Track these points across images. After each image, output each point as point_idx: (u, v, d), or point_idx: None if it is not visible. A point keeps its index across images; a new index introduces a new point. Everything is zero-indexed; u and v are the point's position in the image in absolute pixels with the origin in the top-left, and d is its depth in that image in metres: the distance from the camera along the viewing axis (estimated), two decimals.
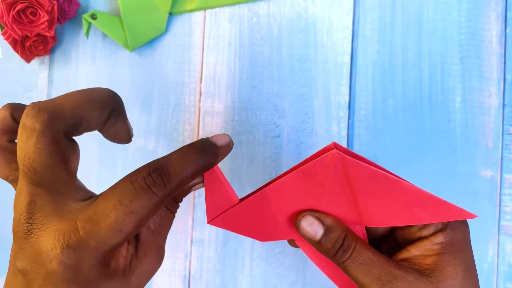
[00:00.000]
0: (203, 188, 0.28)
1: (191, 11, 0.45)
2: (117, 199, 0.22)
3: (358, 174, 0.26)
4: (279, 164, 0.45)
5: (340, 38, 0.45)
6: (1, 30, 0.41)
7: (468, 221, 0.30)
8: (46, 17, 0.40)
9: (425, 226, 0.29)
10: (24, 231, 0.22)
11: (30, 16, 0.40)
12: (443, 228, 0.28)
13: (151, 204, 0.22)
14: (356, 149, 0.45)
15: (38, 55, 0.43)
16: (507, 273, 0.44)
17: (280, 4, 0.45)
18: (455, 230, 0.28)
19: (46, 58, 0.45)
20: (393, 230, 0.32)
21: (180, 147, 0.25)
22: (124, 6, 0.43)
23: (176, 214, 0.45)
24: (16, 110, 0.27)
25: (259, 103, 0.45)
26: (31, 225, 0.22)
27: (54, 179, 0.22)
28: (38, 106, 0.22)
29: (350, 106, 0.45)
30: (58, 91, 0.45)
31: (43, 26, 0.40)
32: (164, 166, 0.23)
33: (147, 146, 0.45)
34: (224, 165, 0.45)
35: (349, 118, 0.45)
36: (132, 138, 0.28)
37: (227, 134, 0.27)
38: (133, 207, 0.22)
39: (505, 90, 0.45)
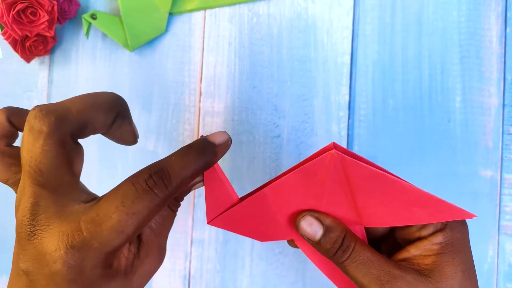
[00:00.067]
0: (203, 187, 0.29)
1: (191, 11, 0.45)
2: (120, 201, 0.22)
3: (357, 174, 0.26)
4: (279, 164, 0.45)
5: (340, 38, 0.45)
6: (1, 30, 0.41)
7: (468, 221, 0.30)
8: (46, 17, 0.40)
9: (424, 226, 0.29)
10: (27, 232, 0.22)
11: (30, 16, 0.40)
12: (442, 228, 0.28)
13: (152, 205, 0.23)
14: (356, 149, 0.45)
15: (38, 55, 0.43)
16: (507, 273, 0.44)
17: (280, 4, 0.45)
18: (454, 230, 0.28)
19: (46, 58, 0.45)
20: (392, 230, 0.32)
21: (180, 147, 0.25)
22: (124, 6, 0.43)
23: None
24: (12, 114, 0.27)
25: (259, 103, 0.45)
26: (34, 227, 0.22)
27: (59, 181, 0.23)
28: (46, 109, 0.22)
29: (350, 106, 0.45)
30: (58, 91, 0.45)
31: (43, 26, 0.40)
32: (165, 167, 0.24)
33: (147, 146, 0.45)
34: (224, 165, 0.45)
35: (349, 118, 0.45)
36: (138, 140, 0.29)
37: (225, 132, 0.27)
38: (135, 208, 0.22)
39: (505, 90, 0.45)
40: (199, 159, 0.25)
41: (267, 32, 0.45)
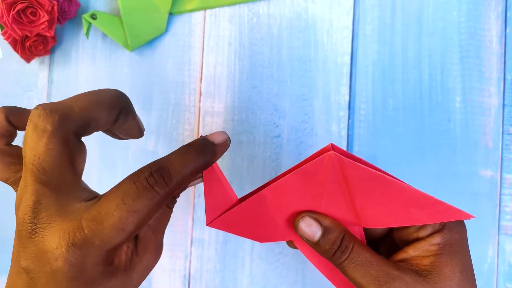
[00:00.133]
0: (203, 188, 0.29)
1: (191, 11, 0.45)
2: (120, 199, 0.22)
3: (356, 175, 0.26)
4: (279, 164, 0.45)
5: (340, 38, 0.45)
6: (1, 30, 0.41)
7: (468, 221, 0.30)
8: (46, 17, 0.40)
9: (422, 227, 0.29)
10: (28, 230, 0.22)
11: (30, 16, 0.40)
12: (440, 229, 0.28)
13: (153, 203, 0.23)
14: (356, 149, 0.45)
15: (38, 55, 0.43)
16: (507, 273, 0.44)
17: (280, 4, 0.45)
18: (452, 231, 0.28)
19: (46, 58, 0.45)
20: (391, 231, 0.32)
21: (179, 146, 0.25)
22: (124, 6, 0.43)
23: (176, 214, 0.45)
24: (11, 113, 0.27)
25: (259, 103, 0.45)
26: (36, 225, 0.22)
27: (62, 180, 0.23)
28: (49, 108, 0.22)
29: (350, 106, 0.45)
30: (58, 91, 0.45)
31: (43, 26, 0.40)
32: (165, 166, 0.24)
33: (147, 146, 0.45)
34: (224, 165, 0.45)
35: (349, 118, 0.45)
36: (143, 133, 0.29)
37: (224, 132, 0.27)
38: (136, 206, 0.22)
39: (505, 90, 0.45)
40: (199, 157, 0.25)
41: (267, 32, 0.45)
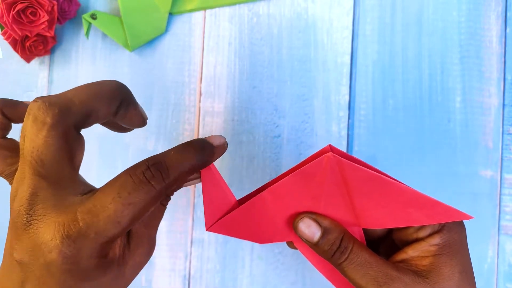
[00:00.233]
0: (202, 188, 0.29)
1: (191, 11, 0.45)
2: (116, 192, 0.22)
3: (354, 176, 0.26)
4: (279, 164, 0.45)
5: (340, 38, 0.45)
6: (1, 30, 0.41)
7: (468, 221, 0.30)
8: (46, 17, 0.40)
9: (421, 227, 0.29)
10: (23, 222, 0.22)
11: (30, 16, 0.40)
12: (439, 229, 0.28)
13: (149, 197, 0.23)
14: (356, 149, 0.45)
15: (38, 55, 0.43)
16: (507, 273, 0.44)
17: (280, 4, 0.45)
18: (452, 231, 0.28)
19: (46, 58, 0.45)
20: (390, 231, 0.32)
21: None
22: (124, 6, 0.43)
23: (176, 214, 0.45)
24: (5, 106, 0.27)
25: (259, 103, 0.45)
26: (31, 217, 0.22)
27: (59, 173, 0.23)
28: (49, 100, 0.22)
29: (350, 106, 0.45)
30: (58, 91, 0.45)
31: (43, 26, 0.40)
32: (163, 160, 0.24)
33: (147, 146, 0.45)
34: (224, 165, 0.45)
35: (349, 118, 0.45)
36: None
37: (222, 136, 0.27)
38: (132, 199, 0.22)
39: (505, 90, 0.45)
40: (197, 156, 0.25)
41: (267, 32, 0.45)
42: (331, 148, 0.27)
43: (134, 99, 0.26)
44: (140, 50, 0.45)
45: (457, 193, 0.44)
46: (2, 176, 0.27)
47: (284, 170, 0.45)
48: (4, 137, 0.28)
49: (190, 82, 0.45)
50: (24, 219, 0.22)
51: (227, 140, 0.28)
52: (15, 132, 0.28)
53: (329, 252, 0.29)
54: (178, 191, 0.44)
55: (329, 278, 0.33)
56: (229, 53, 0.45)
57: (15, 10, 0.39)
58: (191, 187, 0.45)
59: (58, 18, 0.42)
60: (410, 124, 0.45)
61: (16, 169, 0.26)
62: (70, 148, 0.23)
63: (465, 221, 0.29)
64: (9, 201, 0.24)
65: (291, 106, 0.45)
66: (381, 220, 0.29)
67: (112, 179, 0.23)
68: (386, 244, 0.33)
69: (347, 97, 0.45)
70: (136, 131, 0.44)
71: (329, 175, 0.27)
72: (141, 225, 0.27)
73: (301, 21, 0.45)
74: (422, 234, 0.29)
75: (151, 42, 0.45)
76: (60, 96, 0.23)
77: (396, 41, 0.45)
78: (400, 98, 0.45)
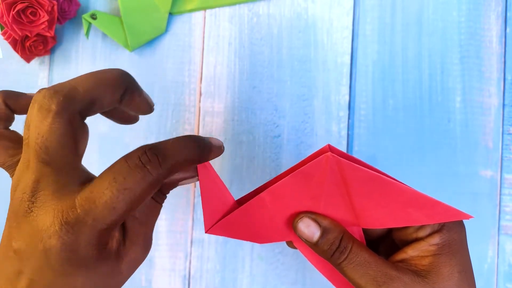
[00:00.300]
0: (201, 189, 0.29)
1: (191, 11, 0.45)
2: (112, 177, 0.22)
3: (354, 176, 0.26)
4: (279, 164, 0.45)
5: (340, 38, 0.45)
6: (1, 30, 0.42)
7: (468, 221, 0.30)
8: (46, 17, 0.40)
9: (421, 227, 0.29)
10: (25, 209, 0.22)
11: (30, 16, 0.40)
12: (439, 229, 0.28)
13: (145, 183, 0.22)
14: (356, 149, 0.45)
15: (38, 55, 0.43)
16: (507, 273, 0.44)
17: (280, 4, 0.45)
18: (451, 231, 0.28)
19: (46, 58, 0.46)
20: (390, 231, 0.32)
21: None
22: (124, 6, 0.44)
23: (176, 214, 0.45)
24: (8, 97, 0.27)
25: (259, 103, 0.45)
26: (33, 203, 0.22)
27: (63, 160, 0.22)
28: (54, 89, 0.22)
29: (350, 106, 0.45)
30: None
31: (43, 26, 0.40)
32: (160, 146, 0.23)
33: None
34: (224, 165, 0.45)
35: (349, 118, 0.45)
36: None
37: (220, 140, 0.27)
38: (127, 184, 0.22)
39: (505, 90, 0.45)
40: (195, 148, 0.25)
41: (267, 32, 0.45)
42: (330, 148, 0.27)
43: (139, 86, 0.26)
44: (140, 50, 0.45)
45: (457, 193, 0.44)
46: (4, 167, 0.27)
47: (284, 170, 0.45)
48: (7, 128, 0.28)
49: (190, 82, 0.45)
50: (26, 206, 0.22)
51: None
52: (19, 126, 0.29)
53: (329, 252, 0.29)
54: (178, 191, 0.44)
55: (329, 277, 0.33)
56: (229, 53, 0.45)
57: (15, 10, 0.39)
58: (191, 188, 0.45)
59: (58, 18, 0.42)
60: (410, 124, 0.45)
61: (18, 161, 0.26)
62: (75, 135, 0.23)
63: (465, 221, 0.29)
64: (6, 196, 0.24)
65: (291, 106, 0.45)
66: (381, 220, 0.29)
67: (110, 165, 0.23)
68: (385, 244, 0.33)
69: (347, 97, 0.45)
70: (136, 131, 0.44)
71: (329, 175, 0.27)
72: (135, 222, 0.27)
73: (301, 21, 0.45)
74: (421, 233, 0.29)
75: (151, 42, 0.45)
76: (65, 84, 0.23)
77: (396, 41, 0.45)
78: (400, 98, 0.45)
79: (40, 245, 0.21)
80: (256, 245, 0.45)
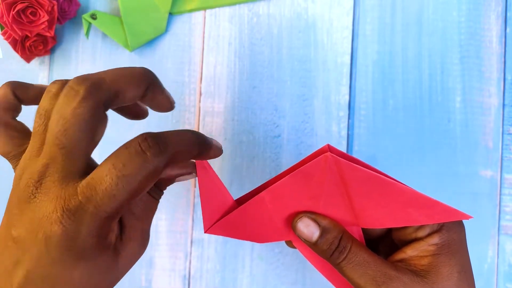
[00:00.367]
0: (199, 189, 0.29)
1: (191, 11, 0.45)
2: (111, 163, 0.22)
3: (353, 176, 0.26)
4: (279, 164, 0.45)
5: (340, 38, 0.45)
6: (1, 30, 0.42)
7: (468, 221, 0.30)
8: (46, 17, 0.40)
9: (420, 227, 0.29)
10: (28, 194, 0.22)
11: (30, 16, 0.40)
12: (438, 229, 0.28)
13: (144, 170, 0.22)
14: (356, 149, 0.45)
15: (38, 55, 0.43)
16: (507, 273, 0.44)
17: (280, 4, 0.45)
18: (451, 231, 0.28)
19: (46, 58, 0.46)
20: (389, 231, 0.32)
21: None
22: (124, 6, 0.44)
23: (176, 214, 0.45)
24: (17, 87, 0.28)
25: (259, 103, 0.45)
26: (37, 189, 0.22)
27: (78, 145, 0.22)
28: (82, 77, 0.23)
29: (350, 106, 0.45)
30: None
31: (43, 26, 0.40)
32: (161, 135, 0.23)
33: None
34: (224, 165, 0.45)
35: (349, 118, 0.45)
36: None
37: (219, 142, 0.28)
38: (126, 170, 0.21)
39: (505, 90, 0.44)
40: (196, 141, 0.25)
41: (267, 32, 0.45)
42: (329, 148, 0.27)
43: (161, 84, 0.27)
44: (140, 50, 0.45)
45: (457, 193, 0.44)
46: (8, 157, 0.27)
47: (284, 170, 0.45)
48: (14, 119, 0.28)
49: (190, 82, 0.45)
50: (30, 191, 0.22)
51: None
52: (24, 118, 0.29)
53: (328, 252, 0.29)
54: (178, 191, 0.44)
55: (328, 277, 0.33)
56: (229, 53, 0.45)
57: (15, 10, 0.39)
58: (191, 188, 0.45)
59: (58, 18, 0.42)
60: (410, 124, 0.45)
61: (23, 151, 0.26)
62: (95, 123, 0.23)
63: (465, 221, 0.29)
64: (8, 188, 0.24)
65: (291, 106, 0.45)
66: (380, 219, 0.29)
67: (111, 153, 0.23)
68: (385, 244, 0.33)
69: (347, 97, 0.45)
70: (136, 131, 0.44)
71: (328, 175, 0.27)
72: (132, 217, 0.27)
73: (301, 21, 0.45)
74: (421, 233, 0.29)
75: (151, 42, 0.45)
76: (93, 74, 0.23)
77: (396, 41, 0.45)
78: (400, 98, 0.45)
79: (41, 232, 0.21)
80: (256, 245, 0.45)
